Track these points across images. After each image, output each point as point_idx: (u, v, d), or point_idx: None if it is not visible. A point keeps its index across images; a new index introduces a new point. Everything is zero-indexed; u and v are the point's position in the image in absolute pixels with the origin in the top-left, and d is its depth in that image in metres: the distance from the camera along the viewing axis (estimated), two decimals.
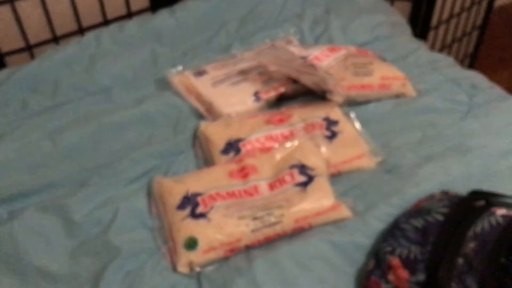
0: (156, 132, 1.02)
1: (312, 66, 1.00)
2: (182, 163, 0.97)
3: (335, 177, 0.93)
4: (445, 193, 0.82)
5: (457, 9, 1.78)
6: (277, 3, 1.32)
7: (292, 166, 0.89)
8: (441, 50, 1.88)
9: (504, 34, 2.45)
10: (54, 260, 0.80)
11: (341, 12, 1.31)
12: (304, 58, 1.01)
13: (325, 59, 1.04)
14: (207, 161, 0.97)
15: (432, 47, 1.82)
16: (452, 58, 1.93)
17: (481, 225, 0.69)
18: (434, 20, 1.71)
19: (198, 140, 1.00)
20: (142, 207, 0.88)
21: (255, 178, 0.88)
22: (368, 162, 0.95)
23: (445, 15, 1.75)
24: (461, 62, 2.06)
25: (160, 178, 0.90)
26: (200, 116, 1.06)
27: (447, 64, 1.19)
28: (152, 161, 0.96)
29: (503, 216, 0.69)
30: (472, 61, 2.13)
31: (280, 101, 1.09)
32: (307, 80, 1.02)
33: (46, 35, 1.25)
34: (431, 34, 1.76)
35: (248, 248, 0.81)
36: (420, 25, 1.69)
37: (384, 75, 1.06)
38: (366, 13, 1.31)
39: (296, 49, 1.03)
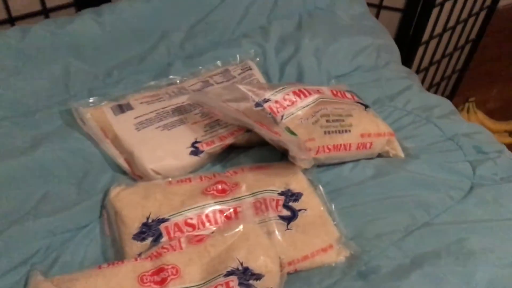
0: (52, 193, 0.74)
1: (271, 117, 0.73)
2: (81, 244, 0.69)
3: (290, 275, 0.68)
4: None
5: (452, 22, 1.53)
6: (237, 12, 1.03)
7: (230, 272, 0.63)
8: (428, 66, 1.63)
9: (495, 43, 2.23)
10: None
11: (316, 29, 1.03)
12: (260, 104, 0.74)
13: (289, 106, 0.77)
14: (115, 244, 0.70)
15: (419, 64, 1.57)
16: (440, 75, 1.73)
17: None
18: (426, 34, 1.45)
19: (106, 211, 0.73)
20: None
21: (176, 287, 0.62)
22: (336, 256, 0.71)
23: (439, 29, 1.50)
24: (449, 78, 1.83)
25: (38, 279, 0.62)
26: (117, 169, 0.79)
27: (443, 113, 0.94)
28: (38, 240, 0.68)
29: None
30: (460, 77, 1.90)
31: (229, 150, 0.83)
32: (264, 135, 0.76)
33: None
34: (420, 50, 1.50)
35: None
36: (409, 40, 1.44)
37: (364, 132, 0.80)
38: (348, 33, 1.04)
39: (251, 89, 0.76)
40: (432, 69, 1.67)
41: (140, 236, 0.68)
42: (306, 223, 0.73)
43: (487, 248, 0.69)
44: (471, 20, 1.63)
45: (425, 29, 1.41)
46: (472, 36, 1.72)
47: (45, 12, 1.03)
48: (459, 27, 1.59)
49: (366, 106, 0.85)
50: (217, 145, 0.80)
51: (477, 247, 0.69)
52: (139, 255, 0.66)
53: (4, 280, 0.64)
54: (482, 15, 1.66)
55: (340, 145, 0.77)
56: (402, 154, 0.85)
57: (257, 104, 0.74)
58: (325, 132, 0.76)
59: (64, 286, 0.61)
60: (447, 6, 1.43)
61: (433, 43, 1.54)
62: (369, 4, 1.26)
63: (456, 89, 1.92)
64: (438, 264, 0.68)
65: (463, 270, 0.67)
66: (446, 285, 0.66)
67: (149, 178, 0.76)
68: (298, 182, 0.76)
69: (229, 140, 0.80)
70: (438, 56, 1.63)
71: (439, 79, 1.76)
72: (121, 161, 0.79)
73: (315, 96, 0.79)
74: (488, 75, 2.10)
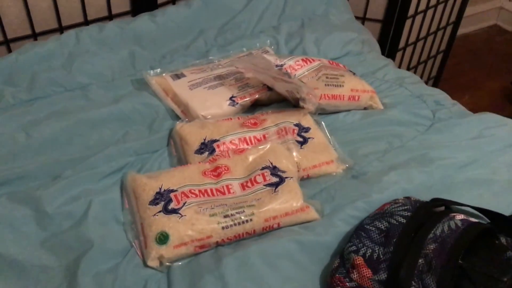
0: (131, 130, 1.04)
1: (287, 73, 1.04)
2: (156, 161, 0.99)
3: (304, 180, 0.97)
4: (408, 198, 0.87)
5: (423, 33, 1.87)
6: (255, 15, 1.37)
7: (264, 168, 0.92)
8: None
9: (466, 60, 2.58)
10: (23, 251, 0.79)
11: (315, 27, 1.37)
12: (279, 66, 1.05)
13: (299, 69, 1.08)
14: (181, 160, 0.99)
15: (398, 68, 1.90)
16: None
17: (441, 228, 0.73)
18: (402, 42, 1.79)
19: (173, 139, 1.02)
20: (115, 202, 0.89)
21: (228, 177, 0.91)
22: (336, 168, 0.99)
23: (412, 38, 1.84)
24: (425, 84, 2.15)
25: (133, 174, 0.91)
26: (176, 117, 1.09)
27: (413, 81, 1.25)
28: (126, 157, 0.97)
29: (462, 220, 0.74)
30: (435, 84, 2.23)
31: (255, 106, 1.13)
32: (281, 88, 1.06)
33: (24, 30, 1.25)
34: (398, 55, 1.84)
35: (218, 245, 0.83)
36: (388, 46, 1.78)
37: (353, 88, 1.11)
38: (339, 30, 1.38)
39: (272, 58, 1.07)
40: None
41: (199, 151, 0.97)
42: (314, 146, 1.02)
43: (443, 157, 0.98)
44: (440, 33, 1.98)
45: (400, 37, 1.75)
46: (442, 47, 2.07)
47: (110, 17, 1.36)
48: (430, 39, 1.94)
49: (354, 73, 1.17)
50: (248, 99, 1.10)
51: (435, 156, 0.99)
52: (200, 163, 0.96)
53: (105, 181, 0.93)
54: (449, 29, 2.01)
55: (337, 95, 1.08)
56: (381, 107, 1.15)
57: (277, 66, 1.05)
58: (325, 85, 1.07)
59: (153, 176, 0.90)
60: (418, 18, 1.78)
61: (409, 51, 1.88)
62: (355, 17, 1.60)
63: None
64: (408, 167, 0.96)
65: (426, 169, 0.96)
66: (415, 180, 0.94)
67: None
68: (307, 121, 1.06)
69: (256, 96, 1.11)
70: (414, 62, 1.97)
71: None
72: (179, 112, 1.09)
73: (317, 62, 1.11)
74: (460, 85, 2.43)
